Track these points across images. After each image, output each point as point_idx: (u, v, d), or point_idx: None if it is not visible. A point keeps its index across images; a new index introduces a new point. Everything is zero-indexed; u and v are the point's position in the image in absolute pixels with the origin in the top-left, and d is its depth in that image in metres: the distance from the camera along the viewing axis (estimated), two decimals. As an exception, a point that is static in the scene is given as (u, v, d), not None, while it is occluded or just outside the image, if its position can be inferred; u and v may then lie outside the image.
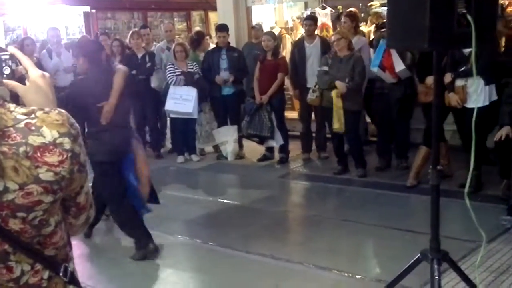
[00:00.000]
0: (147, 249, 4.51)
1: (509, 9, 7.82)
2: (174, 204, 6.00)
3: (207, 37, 10.37)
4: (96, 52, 4.52)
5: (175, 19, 14.93)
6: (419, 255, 3.19)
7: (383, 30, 6.39)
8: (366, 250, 4.81)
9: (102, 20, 13.94)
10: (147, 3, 14.35)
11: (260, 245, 4.75)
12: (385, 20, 7.70)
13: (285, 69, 7.25)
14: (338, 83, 6.26)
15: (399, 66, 6.10)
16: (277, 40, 7.56)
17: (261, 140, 7.39)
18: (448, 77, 5.46)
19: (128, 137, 4.58)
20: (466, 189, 3.06)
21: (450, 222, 4.58)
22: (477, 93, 5.32)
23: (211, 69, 7.61)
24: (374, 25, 7.81)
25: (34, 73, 1.31)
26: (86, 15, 13.65)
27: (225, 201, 6.09)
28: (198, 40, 8.38)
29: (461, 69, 5.37)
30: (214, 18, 12.89)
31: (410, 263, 3.23)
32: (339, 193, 6.29)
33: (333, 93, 6.27)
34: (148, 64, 7.85)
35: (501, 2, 7.57)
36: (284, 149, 7.47)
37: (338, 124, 6.28)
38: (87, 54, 4.57)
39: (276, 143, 7.39)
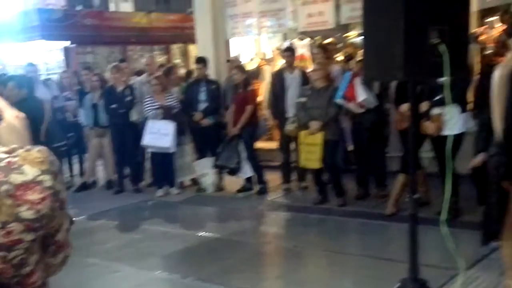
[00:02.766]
0: None
1: (482, 38, 7.99)
2: (152, 239, 5.92)
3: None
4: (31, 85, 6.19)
5: (155, 52, 15.01)
6: (398, 284, 3.17)
7: (356, 61, 6.56)
8: (346, 281, 4.75)
9: (82, 54, 13.98)
10: (126, 37, 14.41)
11: (241, 278, 4.68)
12: (352, 52, 7.93)
13: (253, 101, 7.33)
14: (312, 123, 6.34)
15: (361, 96, 6.21)
16: (246, 72, 7.63)
17: (231, 171, 7.42)
18: (425, 106, 5.53)
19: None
20: (443, 216, 3.07)
21: (429, 250, 4.56)
22: (453, 121, 5.39)
23: (191, 102, 7.65)
24: (343, 57, 7.98)
25: (9, 114, 1.33)
26: (66, 49, 13.67)
27: (204, 234, 6.02)
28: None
29: (437, 98, 5.44)
30: (194, 50, 12.97)
31: (389, 293, 3.20)
32: (320, 223, 6.26)
33: (307, 132, 6.41)
34: (129, 98, 7.83)
35: (475, 31, 7.75)
36: (261, 180, 7.47)
37: (312, 162, 6.37)
38: (27, 85, 6.14)
39: (244, 174, 7.43)
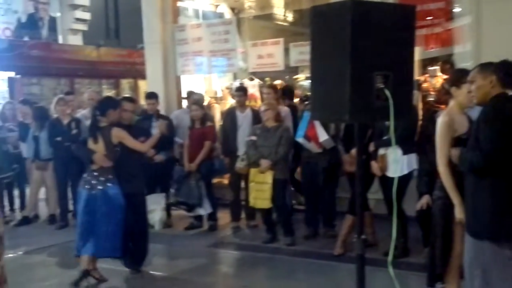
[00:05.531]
0: None
1: (424, 85, 8.34)
2: (96, 277, 5.72)
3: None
4: None
5: (104, 86, 14.85)
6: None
7: (307, 102, 6.67)
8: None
9: (27, 86, 13.63)
10: (74, 69, 14.22)
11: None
12: (309, 93, 8.09)
13: (212, 137, 7.32)
14: (262, 161, 6.38)
15: (323, 136, 6.34)
16: (205, 108, 7.67)
17: (189, 208, 7.33)
18: (372, 147, 5.70)
19: None
20: (390, 258, 3.13)
21: (377, 290, 4.61)
22: (396, 163, 5.54)
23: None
24: (299, 98, 8.11)
25: None
26: (11, 80, 13.33)
27: (151, 272, 5.89)
28: None
29: (382, 139, 5.61)
30: (143, 86, 12.90)
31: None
32: (268, 262, 6.24)
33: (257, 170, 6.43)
34: (74, 131, 7.66)
35: (418, 78, 8.08)
36: (212, 217, 7.40)
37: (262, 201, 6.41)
38: None
39: (204, 211, 7.36)
